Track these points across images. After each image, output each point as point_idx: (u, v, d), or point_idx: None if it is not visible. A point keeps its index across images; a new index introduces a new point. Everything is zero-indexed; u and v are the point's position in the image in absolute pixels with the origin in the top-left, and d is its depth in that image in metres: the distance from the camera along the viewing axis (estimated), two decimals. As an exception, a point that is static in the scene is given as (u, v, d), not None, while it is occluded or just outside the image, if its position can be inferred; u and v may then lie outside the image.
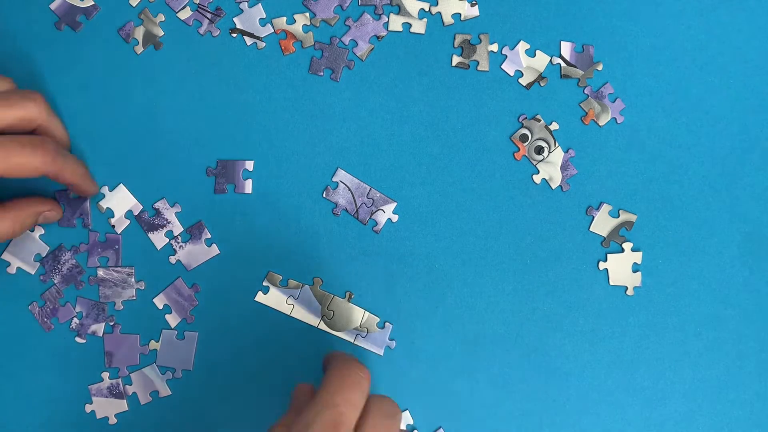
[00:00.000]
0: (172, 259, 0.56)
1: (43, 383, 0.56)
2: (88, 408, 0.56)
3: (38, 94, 0.51)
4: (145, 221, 0.57)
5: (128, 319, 0.56)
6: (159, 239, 0.57)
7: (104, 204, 0.56)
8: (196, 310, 0.56)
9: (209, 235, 0.57)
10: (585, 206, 0.58)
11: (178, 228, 0.57)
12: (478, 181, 0.58)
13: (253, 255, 0.57)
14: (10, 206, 0.52)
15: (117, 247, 0.56)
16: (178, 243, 0.57)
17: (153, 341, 0.56)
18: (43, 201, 0.54)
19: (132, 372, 0.56)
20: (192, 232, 0.57)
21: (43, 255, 0.56)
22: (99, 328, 0.56)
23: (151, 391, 0.56)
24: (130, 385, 0.56)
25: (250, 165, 0.57)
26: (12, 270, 0.56)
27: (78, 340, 0.56)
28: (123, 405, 0.56)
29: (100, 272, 0.56)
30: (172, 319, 0.56)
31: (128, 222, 0.57)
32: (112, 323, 0.56)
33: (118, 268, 0.56)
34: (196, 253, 0.57)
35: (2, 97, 0.49)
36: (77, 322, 0.56)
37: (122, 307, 0.56)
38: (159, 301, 0.56)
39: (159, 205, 0.57)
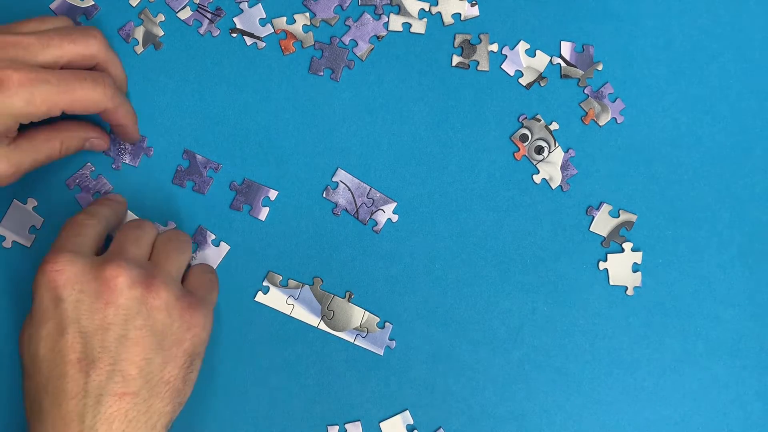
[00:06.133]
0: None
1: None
2: (88, 408, 0.56)
3: (98, 31, 0.51)
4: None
5: (128, 319, 0.56)
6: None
7: None
8: (196, 310, 0.56)
9: (213, 236, 0.56)
10: (585, 206, 0.58)
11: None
12: (478, 181, 0.58)
13: (253, 255, 0.56)
14: (59, 127, 0.52)
15: None
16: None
17: (153, 341, 0.56)
18: (93, 127, 0.54)
19: (132, 372, 0.56)
20: (196, 240, 0.56)
21: (38, 227, 0.56)
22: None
23: (151, 391, 0.56)
24: (130, 385, 0.56)
25: (273, 194, 0.57)
26: (8, 244, 0.56)
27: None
28: (123, 405, 0.56)
29: None
30: (172, 319, 0.56)
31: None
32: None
33: None
34: (205, 260, 0.56)
35: (64, 32, 0.49)
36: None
37: None
38: (159, 301, 0.56)
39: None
